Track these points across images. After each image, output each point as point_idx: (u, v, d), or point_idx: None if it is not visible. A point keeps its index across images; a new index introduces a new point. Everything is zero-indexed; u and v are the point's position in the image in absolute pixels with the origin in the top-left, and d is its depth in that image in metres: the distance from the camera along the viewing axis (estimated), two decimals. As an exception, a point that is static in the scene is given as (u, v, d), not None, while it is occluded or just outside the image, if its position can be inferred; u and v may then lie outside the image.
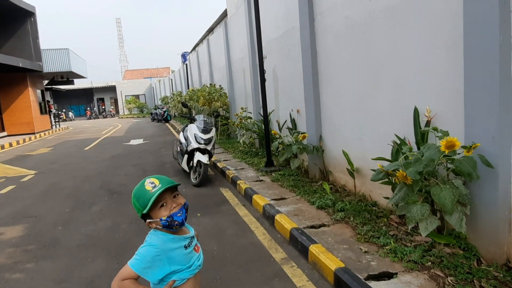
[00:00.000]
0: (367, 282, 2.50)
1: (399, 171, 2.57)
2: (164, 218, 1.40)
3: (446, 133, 2.55)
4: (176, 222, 1.41)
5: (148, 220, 1.44)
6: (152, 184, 1.40)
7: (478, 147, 2.47)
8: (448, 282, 2.46)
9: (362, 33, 3.84)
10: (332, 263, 2.74)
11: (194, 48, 27.79)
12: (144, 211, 1.41)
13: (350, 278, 2.52)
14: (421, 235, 2.68)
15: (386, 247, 2.92)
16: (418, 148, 2.94)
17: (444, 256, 2.70)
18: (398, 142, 3.21)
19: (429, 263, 2.67)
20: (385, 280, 2.54)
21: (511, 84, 2.39)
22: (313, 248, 3.00)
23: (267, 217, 4.05)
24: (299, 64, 5.31)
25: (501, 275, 2.44)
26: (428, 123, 2.97)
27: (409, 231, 3.09)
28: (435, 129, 2.63)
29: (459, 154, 2.57)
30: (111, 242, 3.76)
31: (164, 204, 1.42)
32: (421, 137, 3.00)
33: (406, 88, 3.28)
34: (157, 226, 1.43)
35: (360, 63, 3.95)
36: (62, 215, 4.78)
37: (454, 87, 2.74)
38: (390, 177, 2.95)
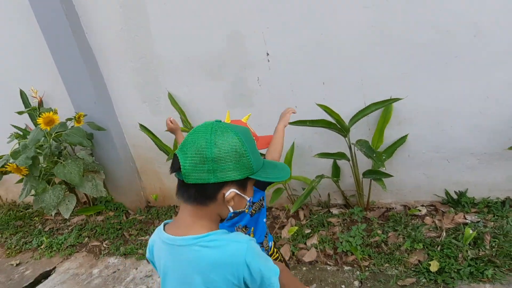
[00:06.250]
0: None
1: (9, 164, 2.27)
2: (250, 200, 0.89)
3: (48, 110, 2.44)
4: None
5: (234, 191, 0.82)
6: None
7: (87, 116, 2.56)
8: (104, 246, 2.56)
9: None
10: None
11: None
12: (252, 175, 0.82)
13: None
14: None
15: (41, 247, 2.67)
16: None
17: (98, 225, 2.77)
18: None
19: (86, 238, 2.68)
20: (41, 283, 2.33)
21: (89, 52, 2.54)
22: None
23: None
24: None
25: (144, 217, 2.80)
26: (40, 104, 2.78)
27: (67, 217, 2.96)
28: (34, 108, 2.48)
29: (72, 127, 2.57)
30: None
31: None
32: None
33: None
34: (234, 209, 0.85)
35: None
36: None
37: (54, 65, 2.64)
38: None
